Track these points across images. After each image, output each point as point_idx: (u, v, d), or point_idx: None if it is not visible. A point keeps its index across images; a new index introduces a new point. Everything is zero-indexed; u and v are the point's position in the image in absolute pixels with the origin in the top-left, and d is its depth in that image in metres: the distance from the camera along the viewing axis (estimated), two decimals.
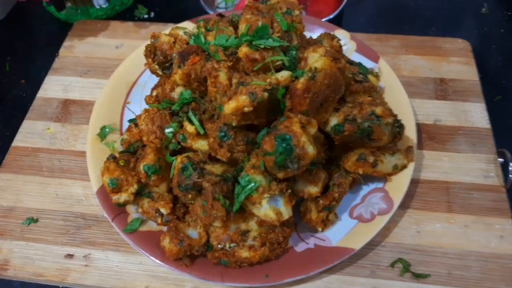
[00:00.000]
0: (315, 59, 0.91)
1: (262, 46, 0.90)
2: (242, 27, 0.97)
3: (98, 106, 1.17)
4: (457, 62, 1.33)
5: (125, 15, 1.60)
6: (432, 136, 1.18)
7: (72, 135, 1.21)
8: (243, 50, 0.89)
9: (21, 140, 1.20)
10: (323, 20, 1.44)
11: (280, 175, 0.86)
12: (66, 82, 1.32)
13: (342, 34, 1.32)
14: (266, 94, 0.85)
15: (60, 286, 1.00)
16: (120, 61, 1.31)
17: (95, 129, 1.12)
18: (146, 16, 1.61)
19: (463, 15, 1.57)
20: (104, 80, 1.30)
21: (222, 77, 0.90)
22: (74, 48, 1.41)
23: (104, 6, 1.57)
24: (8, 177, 1.13)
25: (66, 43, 1.43)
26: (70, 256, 1.00)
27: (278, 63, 0.93)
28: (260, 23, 0.95)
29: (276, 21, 0.99)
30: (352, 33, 1.38)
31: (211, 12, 1.49)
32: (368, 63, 1.24)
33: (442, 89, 1.27)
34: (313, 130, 0.88)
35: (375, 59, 1.25)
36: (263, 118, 0.91)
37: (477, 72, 1.31)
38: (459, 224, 1.03)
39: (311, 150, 0.85)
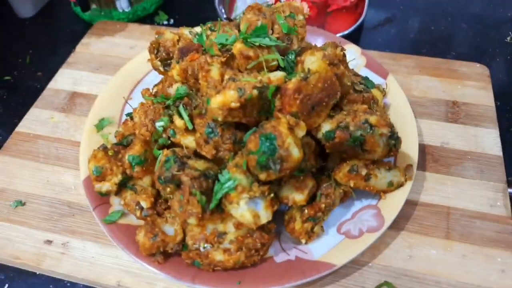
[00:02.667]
0: (312, 61, 0.89)
1: (257, 44, 0.88)
2: (242, 26, 0.97)
3: (100, 98, 1.18)
4: (473, 86, 1.27)
5: (146, 20, 1.65)
6: (437, 158, 1.11)
7: (74, 126, 1.22)
8: (238, 46, 0.88)
9: (24, 126, 1.23)
10: (339, 35, 1.42)
11: (262, 176, 0.83)
12: (77, 76, 1.36)
13: (353, 49, 1.29)
14: (255, 92, 0.83)
15: (37, 273, 0.99)
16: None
17: (94, 120, 1.14)
18: (165, 22, 1.65)
19: (486, 43, 1.51)
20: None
21: (214, 72, 0.89)
22: (90, 45, 1.46)
23: (127, 10, 1.63)
24: (5, 159, 1.15)
25: (84, 40, 1.48)
26: (49, 242, 1.00)
27: (273, 63, 0.91)
28: (259, 23, 0.95)
29: (277, 23, 0.98)
30: (364, 50, 1.35)
31: None
32: (376, 79, 1.20)
33: (454, 112, 1.21)
34: (301, 133, 0.85)
35: (384, 75, 1.21)
36: (253, 117, 0.89)
37: (494, 98, 1.24)
38: (456, 253, 0.95)
39: (296, 153, 0.81)
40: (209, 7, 1.60)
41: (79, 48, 1.46)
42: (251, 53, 0.88)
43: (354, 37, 1.46)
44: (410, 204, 1.02)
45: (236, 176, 0.83)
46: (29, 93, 1.39)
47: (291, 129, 0.83)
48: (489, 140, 1.14)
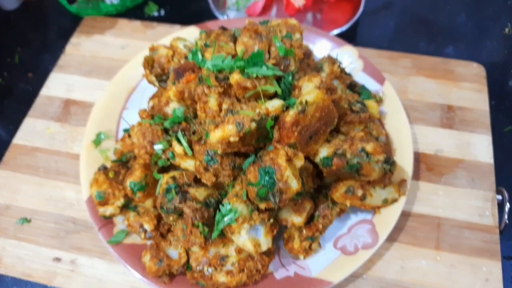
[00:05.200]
0: (309, 90, 0.89)
1: (254, 75, 0.87)
2: (238, 50, 0.95)
3: (95, 111, 1.18)
4: (469, 89, 1.27)
5: (136, 11, 1.59)
6: (431, 167, 1.14)
7: (70, 137, 1.23)
8: (235, 77, 0.88)
9: (21, 138, 1.23)
10: (337, 31, 1.40)
11: (262, 206, 0.86)
12: (70, 81, 1.34)
13: (350, 51, 1.27)
14: (254, 125, 0.84)
15: (48, 286, 1.04)
16: (124, 62, 1.31)
17: (91, 134, 1.14)
18: (156, 14, 1.59)
19: (484, 35, 1.49)
20: (106, 81, 1.31)
21: (212, 102, 0.89)
22: (80, 46, 1.42)
23: (115, 2, 1.56)
24: (6, 174, 1.17)
25: (73, 40, 1.44)
26: (57, 259, 1.04)
27: (270, 91, 0.91)
28: (256, 48, 0.93)
29: (274, 45, 0.96)
30: (362, 48, 1.34)
31: (220, 17, 1.46)
32: (373, 85, 1.20)
33: (449, 117, 1.23)
34: (299, 163, 0.87)
35: (381, 81, 1.21)
36: (251, 145, 0.90)
37: (489, 101, 1.25)
38: (445, 263, 1.01)
39: (294, 185, 0.84)
40: None
41: (69, 49, 1.41)
42: (248, 84, 0.87)
43: (352, 30, 1.43)
44: (403, 215, 1.06)
45: (236, 207, 0.86)
46: (23, 97, 1.37)
47: (289, 160, 0.85)
48: (481, 147, 1.17)
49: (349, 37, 1.37)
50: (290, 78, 0.94)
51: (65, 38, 1.46)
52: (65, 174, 1.16)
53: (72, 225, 1.08)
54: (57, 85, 1.33)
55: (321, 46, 1.28)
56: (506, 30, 1.49)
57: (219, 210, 0.88)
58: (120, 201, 0.98)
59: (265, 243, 0.88)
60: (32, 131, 1.24)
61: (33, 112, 1.28)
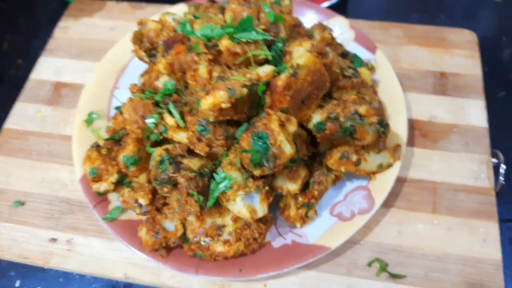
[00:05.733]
0: (300, 54, 0.88)
1: (244, 40, 0.87)
2: (227, 17, 0.94)
3: (86, 91, 1.17)
4: (461, 55, 1.27)
5: None
6: (425, 133, 1.14)
7: (62, 119, 1.21)
8: (224, 43, 0.87)
9: (13, 122, 1.22)
10: (327, 3, 1.39)
11: (257, 172, 0.85)
12: (59, 64, 1.32)
13: (341, 22, 1.27)
14: (245, 90, 0.83)
15: (45, 267, 1.03)
16: (114, 44, 1.30)
17: (83, 114, 1.13)
18: None
19: (476, 3, 1.48)
20: (96, 63, 1.29)
21: (202, 70, 0.88)
22: (69, 29, 1.40)
23: None
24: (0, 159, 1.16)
25: (61, 23, 1.42)
26: (53, 240, 1.03)
27: (260, 57, 0.90)
28: (245, 14, 0.92)
29: (263, 11, 0.95)
30: (353, 20, 1.32)
31: None
32: (365, 54, 1.20)
33: (442, 84, 1.22)
34: (292, 128, 0.86)
35: (373, 50, 1.20)
36: (244, 113, 0.90)
37: (481, 67, 1.25)
38: (442, 226, 1.01)
39: (288, 149, 0.83)
40: None
41: (57, 32, 1.40)
42: (238, 49, 0.86)
43: (343, 3, 1.42)
44: (399, 181, 1.06)
45: (231, 174, 0.85)
46: (14, 83, 1.35)
47: (282, 125, 0.84)
48: (475, 111, 1.16)
49: (339, 9, 1.36)
50: (281, 44, 0.94)
51: (53, 24, 1.45)
52: (58, 156, 1.15)
53: (67, 205, 1.08)
54: (46, 69, 1.32)
55: (311, 18, 1.27)
56: None
57: (214, 179, 0.87)
58: (114, 177, 0.97)
59: (261, 209, 0.88)
60: (23, 115, 1.23)
61: (23, 96, 1.27)
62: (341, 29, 1.25)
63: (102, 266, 0.99)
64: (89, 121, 1.12)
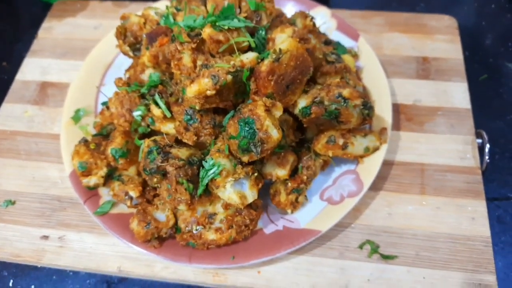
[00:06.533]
0: (282, 40, 0.89)
1: (226, 27, 0.88)
2: (209, 7, 0.95)
3: (72, 89, 1.17)
4: (442, 40, 1.29)
5: None
6: (410, 117, 1.16)
7: (50, 118, 1.21)
8: (207, 31, 0.88)
9: (0, 123, 1.21)
10: None
11: (245, 158, 0.86)
12: (44, 64, 1.32)
13: (323, 12, 1.28)
14: (229, 77, 0.84)
15: (39, 266, 1.03)
16: (98, 42, 1.30)
17: (70, 112, 1.13)
18: None
19: None
20: (82, 62, 1.29)
21: (186, 59, 0.89)
22: (53, 30, 1.40)
23: None
24: None
25: (45, 25, 1.42)
26: (45, 237, 1.03)
27: (244, 44, 0.91)
28: (226, 3, 0.93)
29: (244, 0, 0.96)
30: (334, 10, 1.34)
31: None
32: (348, 42, 1.21)
33: (424, 68, 1.24)
34: (278, 113, 0.87)
35: (355, 38, 1.22)
36: (230, 100, 0.90)
37: (462, 50, 1.28)
38: (431, 206, 1.02)
39: (275, 134, 0.84)
40: None
41: (41, 33, 1.40)
42: (221, 37, 0.87)
43: None
44: (386, 165, 1.08)
45: (219, 161, 0.86)
46: None
47: (268, 110, 0.85)
48: (458, 94, 1.19)
49: (321, 1, 1.38)
50: (263, 32, 0.95)
51: (36, 27, 1.44)
52: (47, 154, 1.15)
53: (58, 203, 1.07)
54: (32, 69, 1.31)
55: (293, 9, 1.28)
56: None
57: (203, 167, 0.88)
58: (103, 171, 0.98)
59: (251, 195, 0.88)
60: (10, 115, 1.22)
61: (9, 97, 1.26)
62: (323, 18, 1.27)
63: (95, 261, 0.99)
64: (76, 118, 1.12)
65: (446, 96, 1.19)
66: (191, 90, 0.83)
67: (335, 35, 1.24)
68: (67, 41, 1.37)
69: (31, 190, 1.10)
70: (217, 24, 0.87)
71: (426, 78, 1.22)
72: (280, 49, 0.85)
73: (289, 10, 1.27)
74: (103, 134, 1.06)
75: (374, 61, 1.16)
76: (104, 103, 1.11)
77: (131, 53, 1.08)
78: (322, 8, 1.28)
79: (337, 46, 1.16)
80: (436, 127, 1.14)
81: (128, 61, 1.19)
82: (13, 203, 1.08)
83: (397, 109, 1.17)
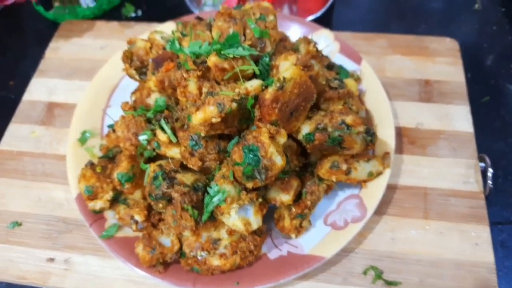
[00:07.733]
0: (286, 67, 0.91)
1: (231, 56, 0.89)
2: (214, 34, 0.97)
3: (79, 110, 1.18)
4: (444, 63, 1.31)
5: (113, 13, 1.60)
6: (413, 140, 1.17)
7: (56, 139, 1.23)
8: (212, 59, 0.89)
9: (6, 143, 1.23)
10: (312, 17, 1.42)
11: (249, 185, 0.87)
12: (51, 85, 1.34)
13: (325, 35, 1.30)
14: (234, 105, 0.85)
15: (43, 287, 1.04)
16: (104, 63, 1.32)
17: (76, 134, 1.14)
18: (133, 14, 1.60)
19: (455, 12, 1.53)
20: (88, 82, 1.31)
21: (192, 86, 0.90)
22: (59, 50, 1.42)
23: (91, 5, 1.57)
24: None
25: (52, 44, 1.44)
26: (51, 259, 1.03)
27: (248, 71, 0.92)
28: (231, 31, 0.95)
29: (249, 28, 0.98)
30: (337, 32, 1.36)
31: (197, 11, 1.48)
32: (350, 65, 1.23)
33: (427, 91, 1.25)
34: (282, 140, 0.88)
35: (358, 61, 1.23)
36: (234, 127, 0.92)
37: (464, 73, 1.29)
38: (434, 231, 1.03)
39: (279, 161, 0.85)
40: None
41: (48, 53, 1.42)
42: (226, 65, 0.88)
43: (326, 16, 1.46)
44: (390, 189, 1.08)
45: (224, 187, 0.87)
46: (6, 105, 1.36)
47: (272, 137, 0.86)
48: (460, 117, 1.19)
49: (324, 23, 1.39)
50: (267, 59, 0.96)
51: (44, 44, 1.46)
52: (52, 175, 1.16)
53: (64, 224, 1.08)
54: (38, 89, 1.33)
55: (297, 32, 1.30)
56: (476, 6, 1.53)
57: (208, 192, 0.89)
58: (109, 194, 0.99)
59: (255, 222, 0.89)
60: (17, 136, 1.24)
61: (16, 117, 1.28)
62: (327, 41, 1.28)
63: (100, 284, 0.99)
64: (82, 139, 1.13)
65: (449, 119, 1.19)
66: (197, 118, 0.85)
67: (338, 58, 1.25)
68: (73, 61, 1.39)
69: (37, 211, 1.11)
70: (222, 52, 0.89)
71: (428, 101, 1.23)
72: (284, 77, 0.86)
73: (293, 33, 1.29)
74: (109, 157, 1.07)
75: (377, 84, 1.17)
76: (110, 126, 1.12)
77: (137, 77, 1.09)
78: (325, 31, 1.30)
79: (340, 70, 1.17)
80: (438, 151, 1.14)
81: (134, 83, 1.20)
82: (19, 224, 1.09)
83: (399, 132, 1.18)
